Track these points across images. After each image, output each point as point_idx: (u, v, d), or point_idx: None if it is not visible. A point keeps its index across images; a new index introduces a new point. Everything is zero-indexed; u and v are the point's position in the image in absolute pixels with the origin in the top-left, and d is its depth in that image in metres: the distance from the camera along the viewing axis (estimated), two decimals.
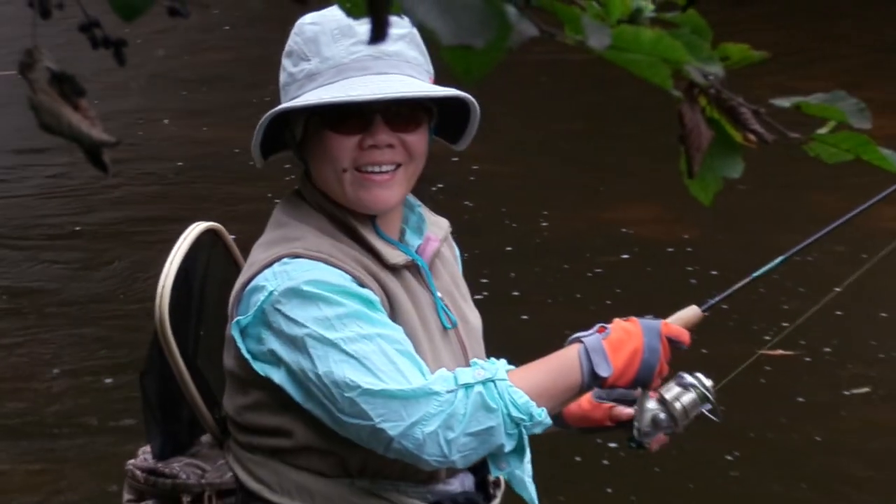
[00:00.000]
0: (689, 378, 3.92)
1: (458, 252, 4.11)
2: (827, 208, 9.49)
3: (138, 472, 3.87)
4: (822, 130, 2.34)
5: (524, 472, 3.85)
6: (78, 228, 10.10)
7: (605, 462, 6.90)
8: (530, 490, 3.89)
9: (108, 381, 8.01)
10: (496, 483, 3.92)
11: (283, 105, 3.69)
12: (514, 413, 3.57)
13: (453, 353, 3.82)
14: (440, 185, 9.64)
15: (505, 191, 10.22)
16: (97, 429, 7.55)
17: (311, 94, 3.66)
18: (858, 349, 8.13)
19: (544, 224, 9.71)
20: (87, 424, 7.61)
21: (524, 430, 3.61)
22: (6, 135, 11.56)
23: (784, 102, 2.30)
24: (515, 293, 8.48)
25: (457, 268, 4.05)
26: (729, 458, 7.23)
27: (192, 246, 3.89)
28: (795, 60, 11.94)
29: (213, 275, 3.97)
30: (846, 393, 7.78)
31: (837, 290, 4.56)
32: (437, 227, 3.94)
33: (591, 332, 3.77)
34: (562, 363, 3.74)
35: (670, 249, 9.27)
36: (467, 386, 3.56)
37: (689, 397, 3.89)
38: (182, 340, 3.82)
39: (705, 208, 8.30)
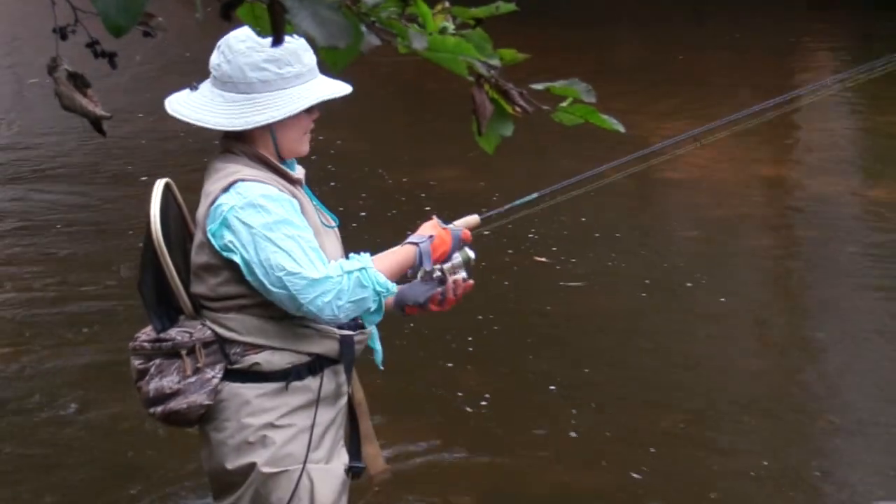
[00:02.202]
0: (464, 250, 4.15)
1: None
2: (567, 166, 9.60)
3: (146, 344, 3.94)
4: (564, 104, 2.39)
5: (375, 334, 4.14)
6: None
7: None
8: (378, 346, 4.18)
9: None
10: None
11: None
12: (378, 288, 3.82)
13: (335, 243, 4.01)
14: (314, 157, 9.63)
15: (356, 159, 10.19)
16: None
17: (303, 88, 3.87)
18: (585, 257, 8.21)
19: (382, 181, 9.71)
20: None
21: (382, 298, 3.85)
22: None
23: (539, 86, 2.35)
24: (360, 223, 8.51)
25: None
26: (481, 317, 7.35)
27: (164, 192, 4.00)
28: (549, 68, 12.01)
29: (171, 212, 4.04)
30: (562, 284, 7.88)
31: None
32: (300, 169, 4.12)
33: (423, 239, 4.06)
34: (405, 257, 4.04)
35: (467, 195, 9.30)
36: (349, 272, 3.79)
37: (457, 263, 4.12)
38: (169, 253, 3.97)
39: (492, 168, 8.28)
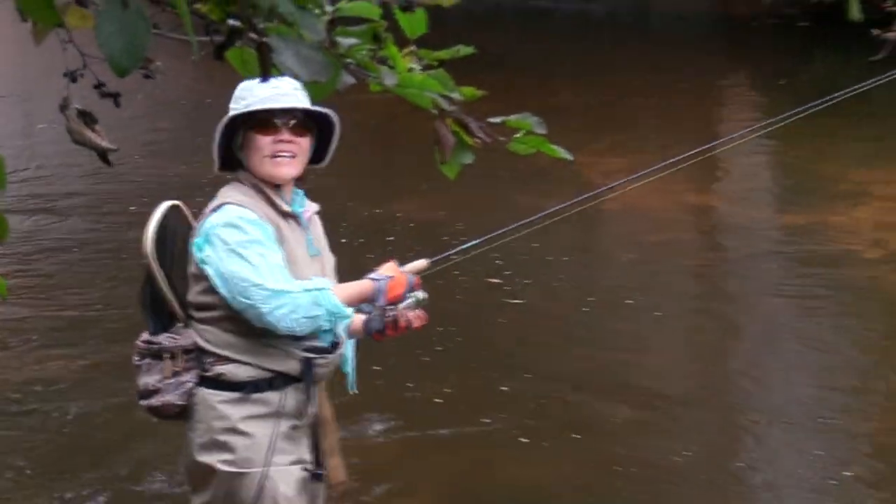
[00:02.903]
0: (415, 293, 4.05)
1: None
2: (515, 197, 9.63)
3: (141, 344, 3.99)
4: (518, 135, 2.41)
5: (349, 360, 4.14)
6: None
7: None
8: (350, 370, 4.16)
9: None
10: (337, 344, 4.05)
11: (235, 113, 3.85)
12: (332, 309, 3.83)
13: (316, 271, 4.00)
14: None
15: (330, 193, 10.13)
16: None
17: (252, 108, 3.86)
18: (536, 278, 8.22)
19: (356, 213, 9.66)
20: None
21: (335, 319, 3.86)
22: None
23: (496, 120, 2.37)
24: (342, 250, 8.42)
25: (321, 231, 4.18)
26: (441, 328, 7.27)
27: (165, 212, 4.08)
28: (498, 110, 12.01)
29: (178, 231, 4.10)
30: (508, 300, 7.89)
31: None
32: (310, 205, 4.12)
33: (382, 277, 4.02)
34: (363, 290, 4.02)
35: (429, 223, 9.31)
36: (308, 290, 3.81)
37: (410, 303, 4.03)
38: (163, 266, 4.00)
39: (449, 199, 8.23)
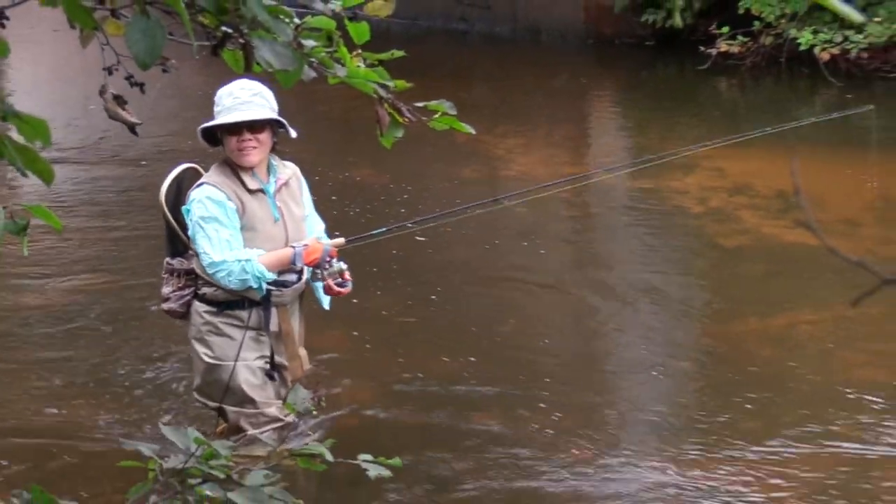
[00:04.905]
0: (335, 262, 4.07)
1: (304, 183, 4.30)
2: (439, 169, 9.61)
3: (165, 263, 4.18)
4: (437, 116, 2.43)
5: (319, 291, 4.19)
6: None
7: None
8: (323, 300, 4.23)
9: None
10: (301, 273, 4.13)
11: (204, 125, 4.05)
12: (257, 275, 3.92)
13: (277, 233, 4.05)
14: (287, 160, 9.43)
15: (306, 163, 10.00)
16: None
17: (218, 119, 4.00)
18: (454, 225, 8.22)
19: (329, 177, 9.53)
20: None
21: (260, 280, 3.94)
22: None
23: (420, 104, 2.38)
24: (325, 205, 8.35)
25: (298, 191, 4.21)
26: (433, 297, 7.24)
27: (180, 172, 4.17)
28: (428, 95, 11.89)
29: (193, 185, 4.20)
30: (419, 238, 7.84)
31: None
32: (284, 172, 4.18)
33: (300, 245, 4.05)
34: (283, 255, 4.05)
35: (378, 184, 9.26)
36: (239, 260, 3.90)
37: (332, 271, 4.06)
38: (175, 213, 4.10)
39: (391, 168, 8.17)
